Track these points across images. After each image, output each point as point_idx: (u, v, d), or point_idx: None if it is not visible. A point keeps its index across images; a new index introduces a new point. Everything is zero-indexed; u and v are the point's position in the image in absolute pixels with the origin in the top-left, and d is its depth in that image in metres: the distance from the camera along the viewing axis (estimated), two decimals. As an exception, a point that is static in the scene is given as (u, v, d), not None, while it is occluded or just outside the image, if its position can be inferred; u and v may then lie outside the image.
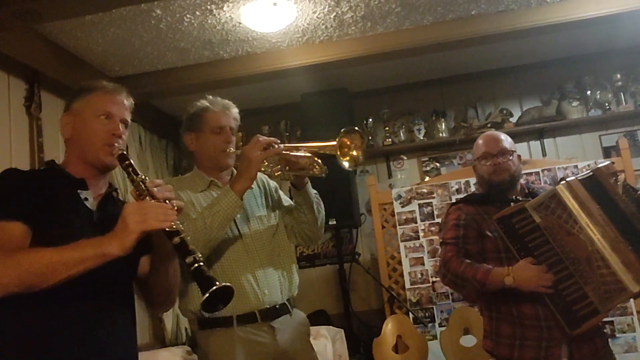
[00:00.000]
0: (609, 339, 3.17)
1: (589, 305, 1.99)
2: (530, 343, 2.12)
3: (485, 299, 2.26)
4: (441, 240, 2.33)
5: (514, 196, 2.26)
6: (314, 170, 2.05)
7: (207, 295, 1.30)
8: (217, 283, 1.32)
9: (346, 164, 1.97)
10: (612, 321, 3.30)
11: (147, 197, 1.42)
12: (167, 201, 1.42)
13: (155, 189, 1.44)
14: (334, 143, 1.94)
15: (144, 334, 3.48)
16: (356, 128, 1.98)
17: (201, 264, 1.36)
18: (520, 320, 2.15)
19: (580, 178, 2.14)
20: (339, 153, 1.95)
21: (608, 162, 2.27)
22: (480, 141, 2.35)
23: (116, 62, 3.23)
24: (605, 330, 3.18)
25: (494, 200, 2.27)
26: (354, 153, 1.98)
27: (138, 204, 1.38)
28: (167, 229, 1.37)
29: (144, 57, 3.20)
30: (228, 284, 1.35)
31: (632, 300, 3.26)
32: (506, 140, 2.31)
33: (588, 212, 2.03)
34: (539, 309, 2.11)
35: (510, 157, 2.26)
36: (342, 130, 1.96)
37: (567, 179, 2.13)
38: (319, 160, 2.04)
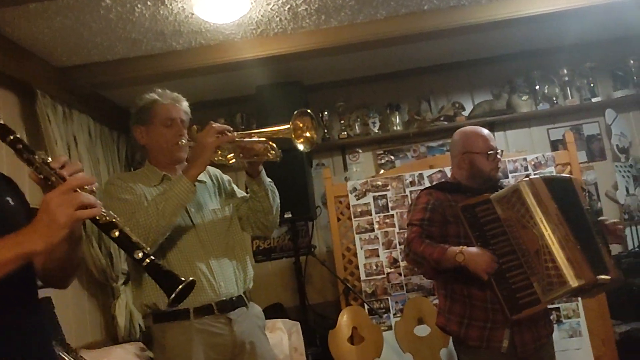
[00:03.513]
0: (555, 324, 3.34)
1: (531, 295, 2.14)
2: (477, 323, 2.28)
3: (442, 280, 2.41)
4: (408, 221, 2.45)
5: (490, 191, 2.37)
6: (269, 155, 2.06)
7: (175, 294, 1.20)
8: (183, 279, 1.22)
9: (301, 146, 2.00)
10: (558, 307, 3.43)
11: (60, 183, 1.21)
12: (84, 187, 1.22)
13: (65, 172, 1.22)
14: (288, 126, 1.96)
15: (95, 331, 3.41)
16: (307, 110, 2.00)
17: (152, 258, 1.24)
18: (470, 301, 2.31)
19: (544, 177, 2.31)
20: (293, 136, 1.96)
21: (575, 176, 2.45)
22: (478, 135, 2.45)
23: (63, 52, 3.11)
24: (551, 317, 3.33)
25: (465, 190, 2.40)
26: (308, 134, 2.01)
27: (62, 192, 1.16)
28: (101, 222, 1.21)
29: (93, 47, 3.11)
30: (191, 278, 1.24)
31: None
32: None
33: (544, 210, 2.16)
34: (487, 293, 2.25)
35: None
36: (294, 113, 1.97)
37: (531, 177, 2.28)
38: (274, 145, 2.05)
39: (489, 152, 2.38)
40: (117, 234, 1.23)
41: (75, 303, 3.21)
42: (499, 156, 2.41)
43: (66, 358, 2.29)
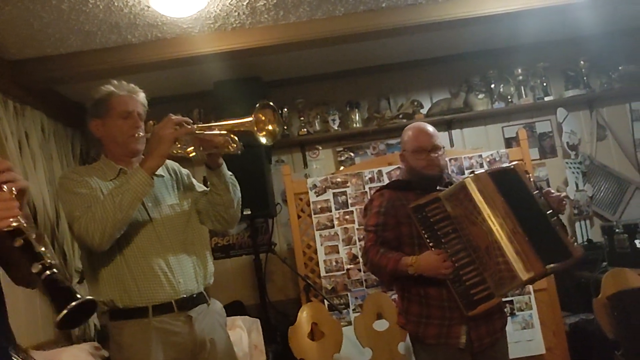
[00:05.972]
0: (509, 317, 3.43)
1: (485, 290, 2.19)
2: (434, 321, 2.32)
3: (399, 282, 2.43)
4: (364, 226, 2.48)
5: (437, 186, 2.40)
6: (230, 147, 2.03)
7: (65, 312, 1.08)
8: (79, 296, 1.10)
9: (264, 140, 1.97)
10: (512, 300, 3.52)
11: None
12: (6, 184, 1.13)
13: None
14: (250, 119, 1.93)
15: (47, 330, 3.31)
16: (270, 103, 1.97)
17: (54, 271, 1.12)
18: (427, 301, 2.34)
19: (490, 171, 2.32)
20: (255, 129, 1.94)
21: (517, 162, 2.47)
22: (410, 133, 2.46)
23: (13, 44, 3.01)
24: (505, 310, 3.42)
25: (415, 187, 2.41)
26: (270, 127, 1.98)
27: None
28: (5, 229, 1.11)
29: (44, 39, 3.01)
30: (89, 297, 1.13)
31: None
32: (435, 135, 2.45)
33: (491, 205, 2.19)
34: (443, 292, 2.28)
35: (440, 152, 2.41)
36: (256, 105, 1.95)
37: (477, 172, 2.29)
38: (235, 137, 2.02)
39: (416, 150, 2.39)
40: (20, 242, 1.12)
41: (26, 301, 3.11)
42: (434, 154, 2.37)
43: (15, 358, 2.21)
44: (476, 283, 2.19)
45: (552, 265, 2.14)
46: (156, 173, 1.99)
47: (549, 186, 4.37)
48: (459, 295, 2.20)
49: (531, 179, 2.32)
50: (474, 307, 2.18)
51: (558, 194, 2.33)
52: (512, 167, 2.35)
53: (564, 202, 2.30)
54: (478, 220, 2.18)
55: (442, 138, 4.27)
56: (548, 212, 2.23)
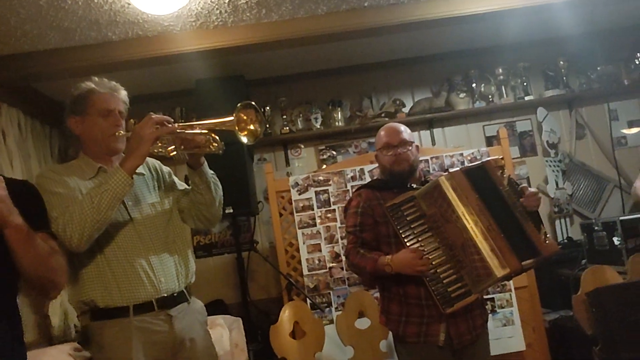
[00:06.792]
0: (490, 314, 3.46)
1: (462, 287, 2.21)
2: (413, 320, 2.34)
3: (380, 281, 2.46)
4: (345, 227, 2.52)
5: (411, 184, 2.42)
6: (211, 147, 2.03)
7: None
8: None
9: (245, 139, 1.97)
10: (493, 298, 3.56)
11: None
12: None
13: None
14: (232, 118, 1.93)
15: (27, 331, 3.26)
16: (252, 103, 1.97)
17: None
18: (406, 300, 2.36)
19: (464, 169, 2.32)
20: (237, 128, 1.93)
21: (495, 157, 2.48)
22: (382, 132, 2.51)
23: (-11, 40, 2.97)
24: (486, 307, 3.45)
25: (392, 186, 2.42)
26: (252, 127, 1.98)
27: None
28: None
29: (22, 35, 2.96)
30: None
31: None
32: (405, 132, 2.48)
33: (465, 202, 2.20)
34: (421, 290, 2.30)
35: (410, 148, 2.43)
36: (238, 105, 1.94)
37: (451, 170, 2.31)
38: (216, 137, 2.02)
39: (384, 147, 2.43)
40: None
41: (4, 303, 3.06)
42: (402, 149, 2.40)
43: None
44: (453, 281, 2.21)
45: (528, 261, 2.16)
46: (136, 171, 1.97)
47: (529, 184, 4.42)
48: (436, 294, 2.22)
49: (505, 175, 2.33)
50: (451, 305, 2.20)
51: (533, 190, 2.34)
52: (483, 164, 2.36)
53: (538, 197, 2.31)
54: (453, 218, 2.19)
55: (422, 137, 4.42)
56: (518, 209, 2.25)
